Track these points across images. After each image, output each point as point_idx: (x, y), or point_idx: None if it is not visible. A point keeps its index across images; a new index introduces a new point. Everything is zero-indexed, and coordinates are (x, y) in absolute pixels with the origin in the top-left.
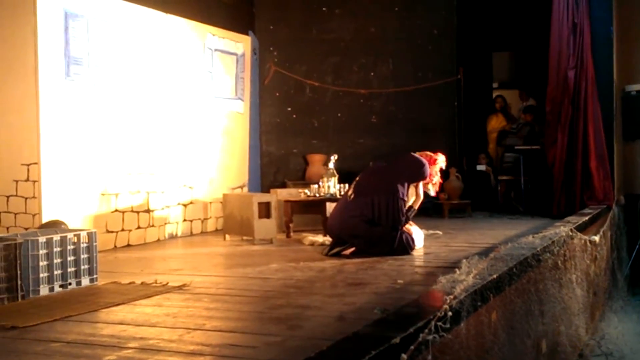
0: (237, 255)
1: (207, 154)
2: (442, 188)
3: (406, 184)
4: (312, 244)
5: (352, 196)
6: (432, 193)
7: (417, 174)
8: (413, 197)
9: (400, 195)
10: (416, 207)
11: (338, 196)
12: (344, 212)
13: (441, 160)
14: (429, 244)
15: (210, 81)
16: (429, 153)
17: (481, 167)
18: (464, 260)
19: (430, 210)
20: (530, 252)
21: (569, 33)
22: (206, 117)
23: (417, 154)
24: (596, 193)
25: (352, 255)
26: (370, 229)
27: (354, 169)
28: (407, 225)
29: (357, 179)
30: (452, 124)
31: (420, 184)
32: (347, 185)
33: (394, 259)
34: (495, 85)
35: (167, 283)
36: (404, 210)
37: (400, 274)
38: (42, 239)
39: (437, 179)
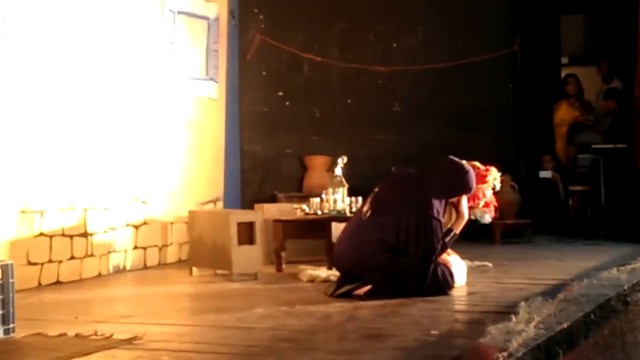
0: (208, 296)
1: (167, 156)
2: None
3: (443, 199)
4: (313, 280)
5: (368, 214)
6: (487, 220)
7: (459, 184)
8: (452, 216)
9: (435, 214)
10: (457, 230)
11: (348, 214)
12: (357, 237)
13: (494, 178)
14: (474, 280)
15: (171, 55)
16: (477, 164)
17: (546, 174)
18: (523, 303)
19: (475, 233)
20: (615, 292)
21: None
22: (166, 106)
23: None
24: None
25: (368, 296)
26: (393, 259)
27: (370, 177)
28: (444, 255)
29: (376, 190)
30: (505, 114)
31: (464, 199)
32: (360, 199)
33: (425, 301)
34: (564, 61)
35: (112, 335)
36: (440, 235)
37: (434, 322)
38: None
39: (488, 199)
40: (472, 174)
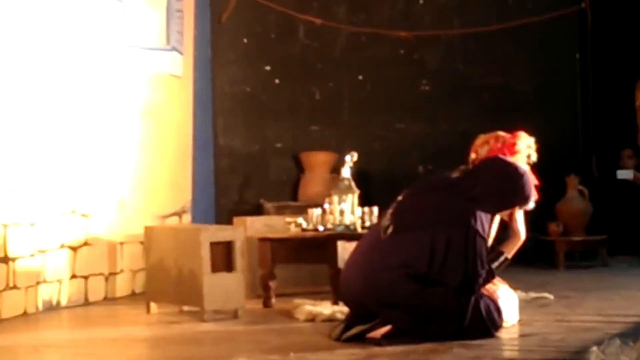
0: (171, 341)
1: (115, 153)
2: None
3: (490, 211)
4: (312, 319)
5: (389, 231)
6: (530, 206)
7: (512, 192)
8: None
9: (480, 229)
10: (509, 253)
11: (360, 230)
12: (372, 261)
13: (527, 145)
14: (530, 318)
15: (119, 18)
16: (500, 133)
17: (625, 174)
18: (594, 348)
19: (530, 255)
20: None
21: None
22: (112, 86)
23: (490, 142)
24: None
25: (387, 341)
26: (421, 291)
27: (388, 180)
28: (489, 285)
29: (399, 199)
30: (571, 95)
31: (519, 213)
32: (377, 210)
33: (464, 347)
34: None
35: None
36: (486, 257)
37: None
38: None
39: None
40: (529, 179)
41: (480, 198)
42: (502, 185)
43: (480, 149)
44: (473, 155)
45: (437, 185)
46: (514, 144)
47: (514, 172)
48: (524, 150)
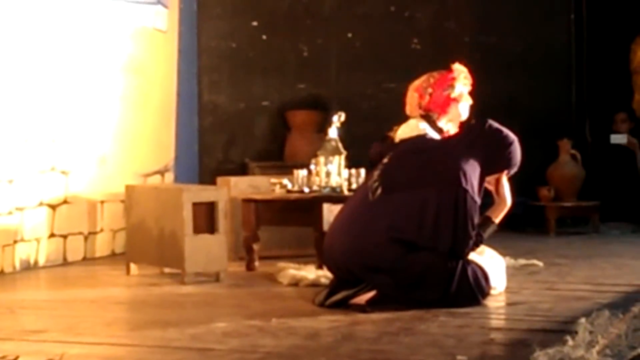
0: (151, 304)
1: (96, 109)
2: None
3: (479, 173)
4: (296, 283)
5: (377, 192)
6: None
7: (500, 156)
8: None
9: (470, 190)
10: (497, 219)
11: (346, 192)
12: (358, 224)
13: (463, 75)
14: (518, 286)
15: None
16: (434, 74)
17: (619, 139)
18: (583, 320)
19: (520, 220)
20: None
21: None
22: (93, 40)
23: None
24: None
25: (372, 307)
26: (406, 255)
27: (377, 140)
28: (474, 253)
29: (385, 161)
30: (565, 57)
31: (504, 178)
32: (364, 172)
33: (450, 315)
34: None
35: (17, 358)
36: (476, 221)
37: (461, 343)
38: None
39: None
40: (517, 145)
41: (470, 158)
42: (491, 148)
43: (425, 94)
44: (419, 101)
45: (425, 146)
46: (448, 78)
47: (503, 138)
48: (461, 79)
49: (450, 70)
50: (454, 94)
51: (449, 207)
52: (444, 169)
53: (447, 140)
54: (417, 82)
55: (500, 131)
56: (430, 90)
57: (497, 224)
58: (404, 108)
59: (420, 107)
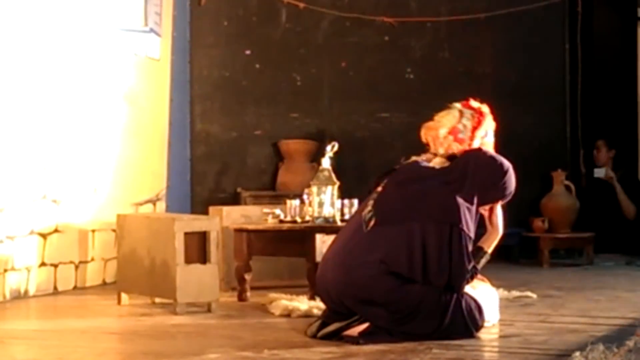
0: (142, 334)
1: (88, 138)
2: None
3: (474, 205)
4: (289, 314)
5: (371, 224)
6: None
7: (495, 186)
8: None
9: (464, 225)
10: (489, 248)
11: (339, 223)
12: (351, 255)
13: (488, 116)
14: (511, 318)
15: None
16: (465, 114)
17: (599, 172)
18: (577, 353)
19: (514, 251)
20: None
21: None
22: (85, 68)
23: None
24: None
25: (364, 339)
26: (401, 287)
27: (371, 171)
28: (468, 286)
29: (379, 190)
30: (560, 85)
31: (499, 208)
32: (357, 202)
33: (443, 347)
34: None
35: None
36: (470, 254)
37: None
38: None
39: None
40: (512, 173)
41: (465, 191)
42: (488, 179)
43: (464, 139)
44: (446, 136)
45: (420, 175)
46: (483, 114)
47: (499, 167)
48: (490, 121)
49: (478, 110)
50: (487, 138)
51: (444, 243)
52: (440, 203)
53: (443, 170)
54: (448, 121)
55: (494, 159)
56: (469, 134)
57: (490, 253)
58: (420, 138)
59: (451, 148)
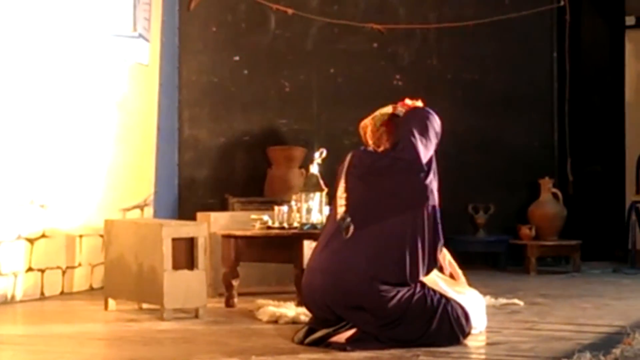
0: (129, 340)
1: (75, 143)
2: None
3: (433, 169)
4: (276, 320)
5: (350, 230)
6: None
7: (426, 117)
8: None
9: (433, 200)
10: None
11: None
12: (337, 262)
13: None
14: (498, 325)
15: (84, 4)
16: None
17: None
18: None
19: (501, 259)
20: None
21: None
22: (74, 73)
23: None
24: None
25: (352, 345)
26: (388, 292)
27: None
28: (455, 292)
29: (342, 186)
30: (548, 92)
31: (448, 255)
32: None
33: (430, 354)
34: (630, 22)
35: None
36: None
37: None
38: None
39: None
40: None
41: (416, 152)
42: (420, 115)
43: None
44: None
45: (378, 166)
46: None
47: (425, 112)
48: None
49: (411, 106)
50: None
51: (419, 227)
52: (408, 190)
53: (392, 149)
54: (381, 116)
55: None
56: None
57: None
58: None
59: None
